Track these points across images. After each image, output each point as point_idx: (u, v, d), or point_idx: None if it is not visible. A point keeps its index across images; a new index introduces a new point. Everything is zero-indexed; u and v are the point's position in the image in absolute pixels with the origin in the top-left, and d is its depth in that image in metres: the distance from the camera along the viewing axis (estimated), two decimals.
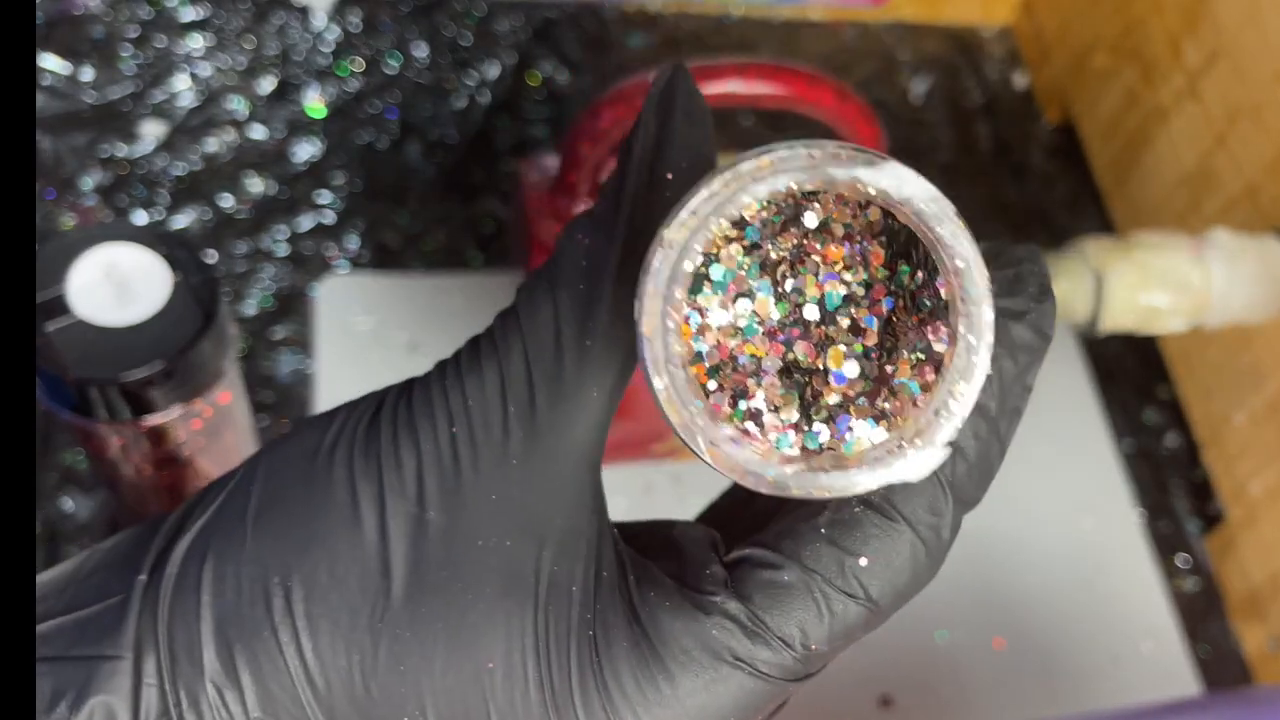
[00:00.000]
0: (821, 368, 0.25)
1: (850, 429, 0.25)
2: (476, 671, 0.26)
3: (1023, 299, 0.27)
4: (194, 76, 0.68)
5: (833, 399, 0.25)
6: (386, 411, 0.27)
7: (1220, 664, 0.58)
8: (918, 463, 0.24)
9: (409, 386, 0.27)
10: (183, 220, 0.64)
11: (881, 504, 0.26)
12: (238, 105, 0.68)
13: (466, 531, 0.26)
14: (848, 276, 0.25)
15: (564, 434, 0.26)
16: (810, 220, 0.25)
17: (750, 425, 0.25)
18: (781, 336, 0.25)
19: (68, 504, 0.55)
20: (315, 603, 0.26)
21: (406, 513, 0.26)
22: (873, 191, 0.23)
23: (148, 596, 0.27)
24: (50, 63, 0.67)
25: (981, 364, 0.24)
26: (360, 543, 0.26)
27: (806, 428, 0.25)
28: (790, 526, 0.26)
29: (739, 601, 0.26)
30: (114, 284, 0.42)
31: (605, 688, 0.26)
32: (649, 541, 0.28)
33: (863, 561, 0.26)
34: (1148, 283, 0.51)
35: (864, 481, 0.24)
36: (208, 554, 0.27)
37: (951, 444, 0.24)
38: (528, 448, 0.26)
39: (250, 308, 0.62)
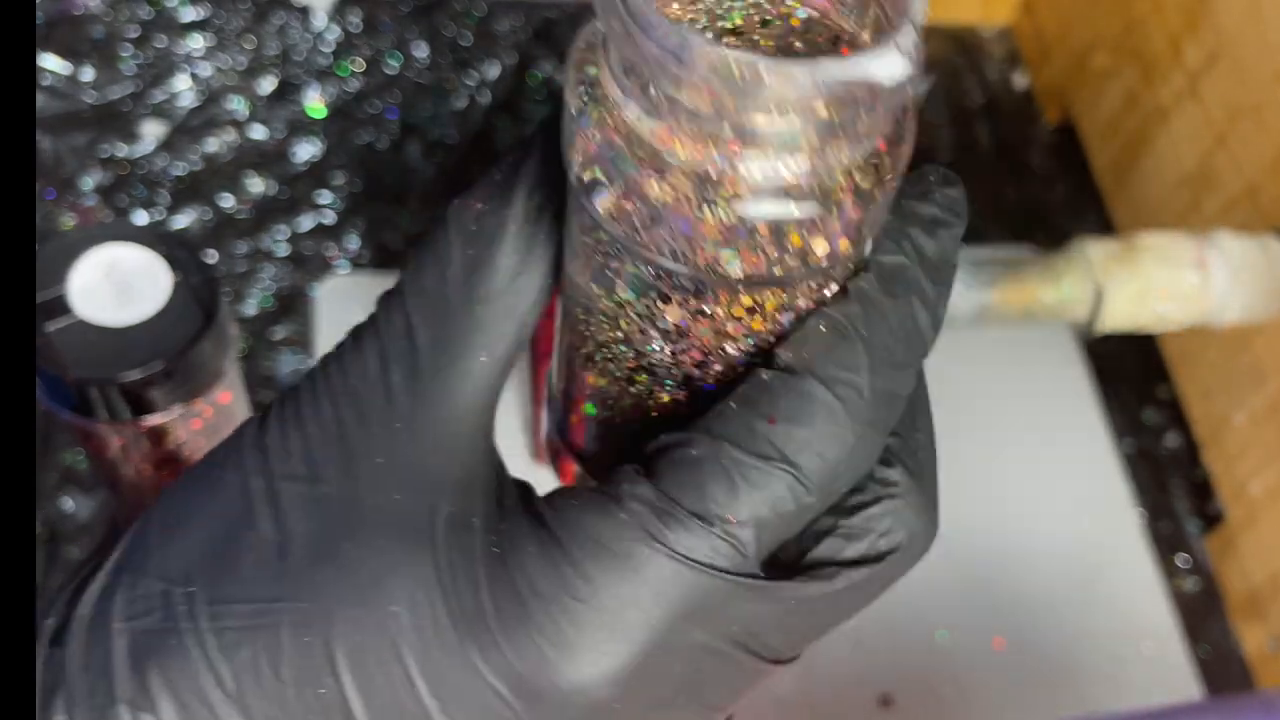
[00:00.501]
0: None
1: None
2: (382, 619, 0.25)
3: (925, 184, 0.28)
4: (194, 76, 0.68)
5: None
6: (274, 411, 0.27)
7: (1220, 664, 0.58)
8: (884, 65, 0.23)
9: (294, 387, 0.27)
10: (183, 220, 0.64)
11: (790, 363, 0.25)
12: (238, 105, 0.68)
13: (359, 496, 0.26)
14: None
15: (451, 397, 0.26)
16: None
17: None
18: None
19: (68, 504, 0.55)
20: (218, 603, 0.25)
21: (300, 494, 0.26)
22: None
23: (58, 639, 0.26)
24: (50, 63, 0.67)
25: None
26: (256, 532, 0.26)
27: None
28: (701, 411, 0.26)
29: (648, 483, 0.24)
30: (114, 284, 0.42)
31: (520, 600, 0.24)
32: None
33: (772, 421, 0.24)
34: (1148, 285, 0.51)
35: (838, 72, 0.22)
36: (117, 588, 0.26)
37: (909, 56, 0.24)
38: (415, 412, 0.26)
39: (250, 308, 0.62)
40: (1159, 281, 0.51)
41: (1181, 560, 0.61)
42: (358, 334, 0.27)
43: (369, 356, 0.26)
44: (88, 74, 0.67)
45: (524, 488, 0.27)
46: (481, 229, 0.26)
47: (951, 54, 0.77)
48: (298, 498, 0.26)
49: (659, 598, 0.24)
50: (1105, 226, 0.70)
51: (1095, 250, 0.52)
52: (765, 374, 0.25)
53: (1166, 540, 0.62)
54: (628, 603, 0.24)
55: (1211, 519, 0.62)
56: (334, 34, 0.71)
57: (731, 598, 0.24)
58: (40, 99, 0.66)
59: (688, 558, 0.24)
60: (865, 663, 0.55)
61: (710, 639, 0.25)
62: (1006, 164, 0.73)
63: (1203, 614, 0.60)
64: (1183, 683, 0.57)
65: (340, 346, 0.27)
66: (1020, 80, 0.77)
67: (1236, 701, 0.47)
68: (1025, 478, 0.61)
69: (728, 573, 0.24)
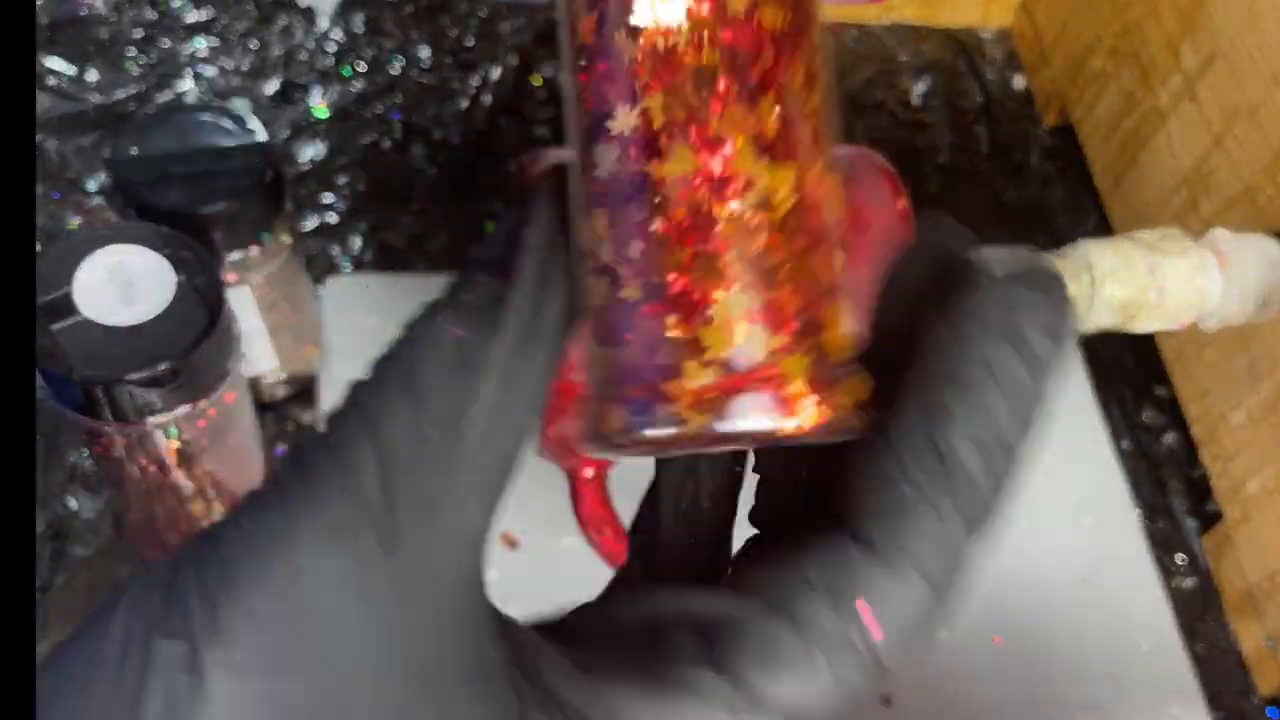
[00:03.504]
0: None
1: None
2: None
3: (1035, 293, 0.24)
4: (199, 78, 0.69)
5: None
6: (189, 579, 0.21)
7: (1217, 662, 0.59)
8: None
9: (214, 535, 0.22)
10: None
11: (882, 543, 0.23)
12: (242, 106, 0.68)
13: (323, 692, 0.21)
14: None
15: (436, 562, 0.22)
16: None
17: None
18: None
19: (73, 503, 0.56)
20: None
21: (249, 691, 0.21)
22: None
23: None
24: (56, 64, 0.68)
25: None
26: None
27: None
28: (773, 575, 0.23)
29: (718, 673, 0.22)
30: (119, 284, 0.43)
31: None
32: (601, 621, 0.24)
33: (864, 615, 0.22)
34: (1145, 284, 0.51)
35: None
36: None
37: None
38: (393, 583, 0.21)
39: None
40: (1156, 282, 0.51)
41: (1179, 559, 0.62)
42: (301, 466, 0.22)
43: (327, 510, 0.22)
44: (93, 75, 0.68)
45: (529, 647, 0.23)
46: (462, 358, 0.23)
47: (951, 56, 0.77)
48: (248, 697, 0.21)
49: None
50: (1103, 227, 0.70)
51: (1093, 250, 0.52)
52: (854, 551, 0.23)
53: (1164, 539, 0.62)
54: None
55: (1208, 518, 0.62)
56: (337, 36, 0.72)
57: None
58: (46, 100, 0.66)
59: None
60: None
61: None
62: (1005, 165, 0.74)
63: (1200, 612, 0.60)
64: (1180, 680, 0.57)
65: (279, 482, 0.22)
66: (1019, 82, 0.77)
67: None
68: (1024, 477, 0.61)
69: None
